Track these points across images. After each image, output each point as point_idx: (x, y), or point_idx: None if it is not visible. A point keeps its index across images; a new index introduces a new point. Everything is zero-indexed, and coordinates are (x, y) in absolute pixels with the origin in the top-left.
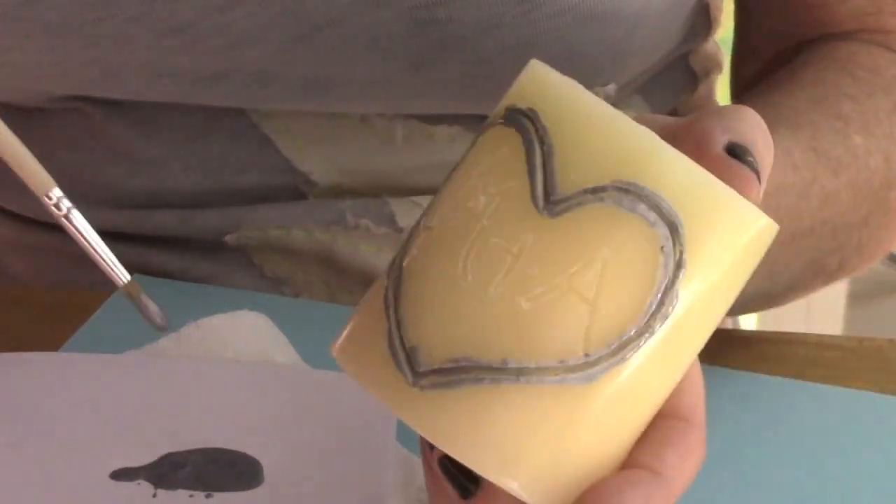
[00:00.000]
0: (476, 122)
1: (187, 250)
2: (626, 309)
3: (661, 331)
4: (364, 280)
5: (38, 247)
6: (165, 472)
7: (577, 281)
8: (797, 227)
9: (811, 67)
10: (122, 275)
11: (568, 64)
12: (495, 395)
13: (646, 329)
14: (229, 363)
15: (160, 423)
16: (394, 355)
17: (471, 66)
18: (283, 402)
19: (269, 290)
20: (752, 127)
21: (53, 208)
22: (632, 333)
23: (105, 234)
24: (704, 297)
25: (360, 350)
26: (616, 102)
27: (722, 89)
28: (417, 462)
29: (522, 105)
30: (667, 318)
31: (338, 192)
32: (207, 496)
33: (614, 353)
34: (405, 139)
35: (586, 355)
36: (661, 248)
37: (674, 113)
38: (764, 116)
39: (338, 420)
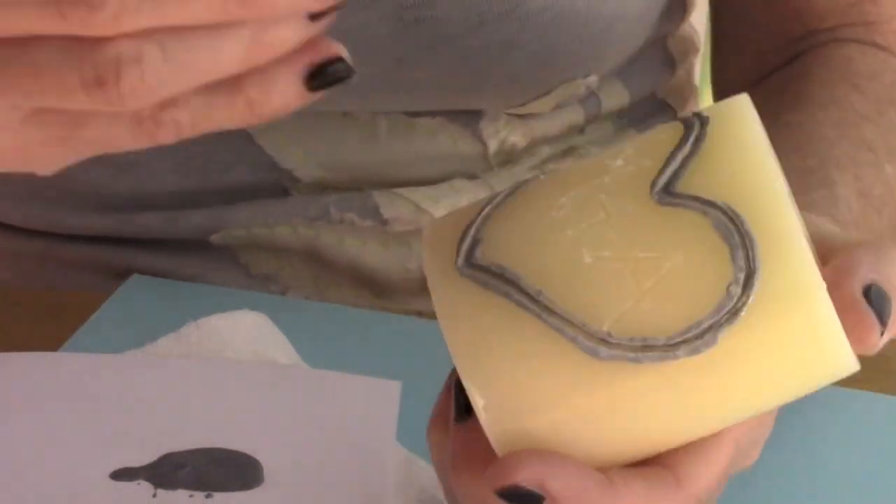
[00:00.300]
0: (458, 115)
1: (173, 251)
2: (667, 318)
3: (683, 362)
4: (351, 274)
5: (23, 253)
6: (165, 472)
7: (642, 266)
8: None
9: (816, 81)
10: None
11: (549, 58)
12: (513, 317)
13: (671, 348)
14: (229, 363)
15: (160, 423)
16: (461, 239)
17: (456, 64)
18: (283, 402)
19: (257, 289)
20: None
21: None
22: (657, 343)
23: (92, 238)
24: (741, 368)
25: (444, 225)
26: (596, 89)
27: (707, 101)
28: (417, 462)
29: (704, 112)
30: (696, 352)
31: (322, 188)
32: (207, 496)
33: (632, 349)
34: (388, 132)
35: (608, 333)
36: (728, 286)
37: (653, 97)
38: (799, 145)
39: (338, 420)
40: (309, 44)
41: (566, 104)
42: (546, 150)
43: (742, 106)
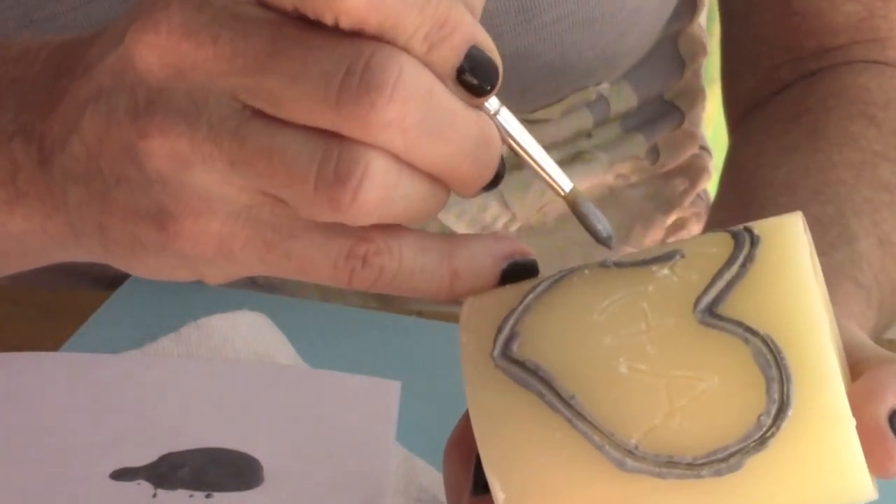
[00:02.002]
0: None
1: None
2: (695, 438)
3: (706, 482)
4: None
5: None
6: (165, 472)
7: (677, 384)
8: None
9: (834, 117)
10: (563, 184)
11: (564, 68)
12: (543, 417)
13: (696, 468)
14: (229, 363)
15: (160, 423)
16: (499, 329)
17: None
18: (283, 402)
19: None
20: None
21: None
22: (682, 461)
23: None
24: (762, 493)
25: (483, 307)
26: (606, 93)
27: (713, 102)
28: (417, 462)
29: (756, 230)
30: (719, 475)
31: None
32: (207, 496)
33: (657, 464)
34: None
35: (636, 446)
36: (759, 416)
37: (660, 99)
38: (817, 189)
39: (338, 420)
40: (507, 238)
41: (575, 109)
42: (553, 156)
43: (793, 230)
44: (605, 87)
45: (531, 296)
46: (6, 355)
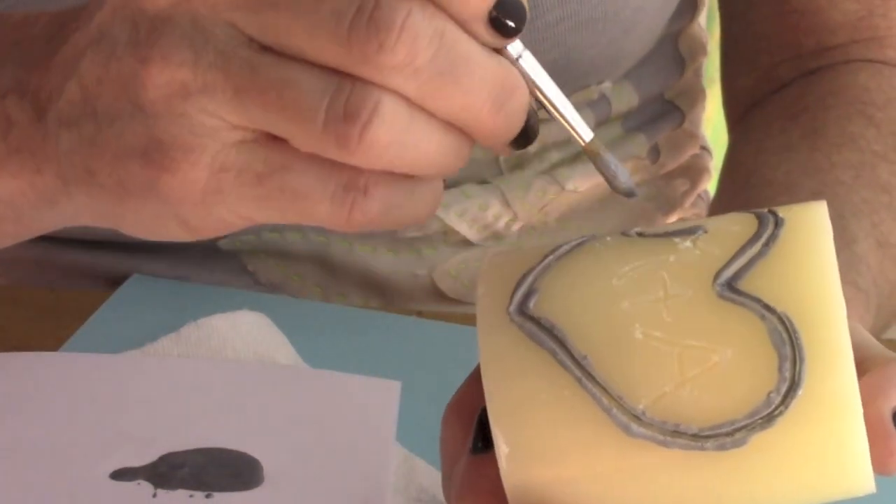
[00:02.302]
0: None
1: (179, 257)
2: (702, 409)
3: (708, 455)
4: (360, 280)
5: (21, 260)
6: (165, 472)
7: (690, 354)
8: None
9: (833, 116)
10: (584, 134)
11: (567, 66)
12: (553, 375)
13: (700, 440)
14: (229, 363)
15: (160, 423)
16: (516, 286)
17: None
18: (283, 402)
19: None
20: None
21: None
22: (688, 432)
23: (95, 243)
24: (762, 471)
25: (503, 263)
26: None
27: (712, 102)
28: (417, 462)
29: (781, 213)
30: (723, 449)
31: None
32: (207, 496)
33: (662, 432)
34: None
35: (643, 412)
36: (769, 393)
37: (661, 98)
38: (817, 191)
39: (338, 420)
40: None
41: (577, 108)
42: (555, 155)
43: (818, 216)
44: (607, 85)
45: (552, 256)
46: (6, 355)
